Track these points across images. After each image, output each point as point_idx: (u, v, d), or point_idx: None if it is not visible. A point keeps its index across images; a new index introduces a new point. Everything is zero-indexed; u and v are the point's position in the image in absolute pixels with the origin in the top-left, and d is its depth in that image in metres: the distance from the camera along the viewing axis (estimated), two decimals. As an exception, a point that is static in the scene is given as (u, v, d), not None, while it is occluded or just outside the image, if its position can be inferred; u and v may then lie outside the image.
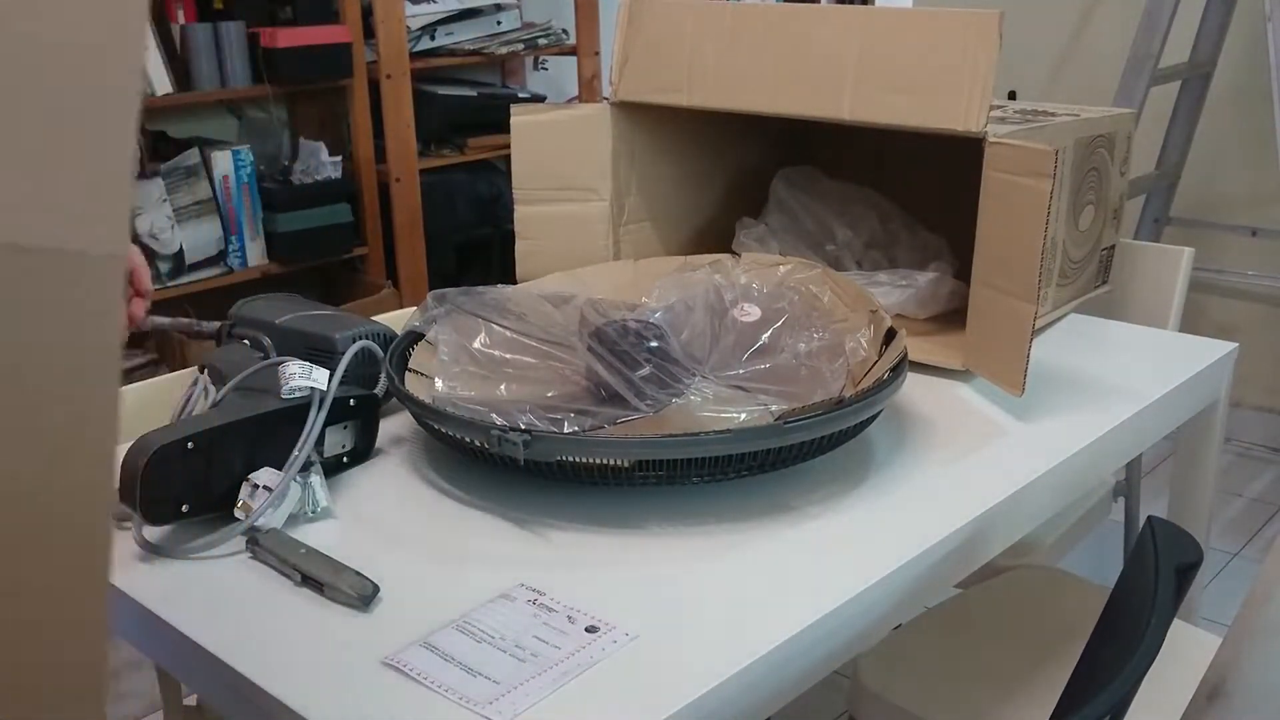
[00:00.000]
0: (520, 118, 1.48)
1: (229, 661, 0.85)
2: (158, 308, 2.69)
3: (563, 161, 1.50)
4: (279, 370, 1.06)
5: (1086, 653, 0.94)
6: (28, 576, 0.54)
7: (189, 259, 2.58)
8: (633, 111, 1.53)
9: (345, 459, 1.12)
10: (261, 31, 2.64)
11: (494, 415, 1.06)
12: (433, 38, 3.03)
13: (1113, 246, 1.59)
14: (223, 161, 2.63)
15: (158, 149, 2.62)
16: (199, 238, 2.60)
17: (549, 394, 1.15)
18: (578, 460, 1.00)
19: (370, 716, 0.78)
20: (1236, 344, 1.44)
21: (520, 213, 1.50)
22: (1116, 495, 1.99)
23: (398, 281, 2.96)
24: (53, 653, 0.55)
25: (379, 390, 1.18)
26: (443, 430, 1.07)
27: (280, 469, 1.02)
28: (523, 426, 1.01)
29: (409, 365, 1.20)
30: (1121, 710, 0.81)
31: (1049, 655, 1.32)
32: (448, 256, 3.12)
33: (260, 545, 0.97)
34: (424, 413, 1.07)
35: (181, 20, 2.59)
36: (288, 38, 2.63)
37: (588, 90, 3.36)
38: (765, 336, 1.22)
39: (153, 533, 1.02)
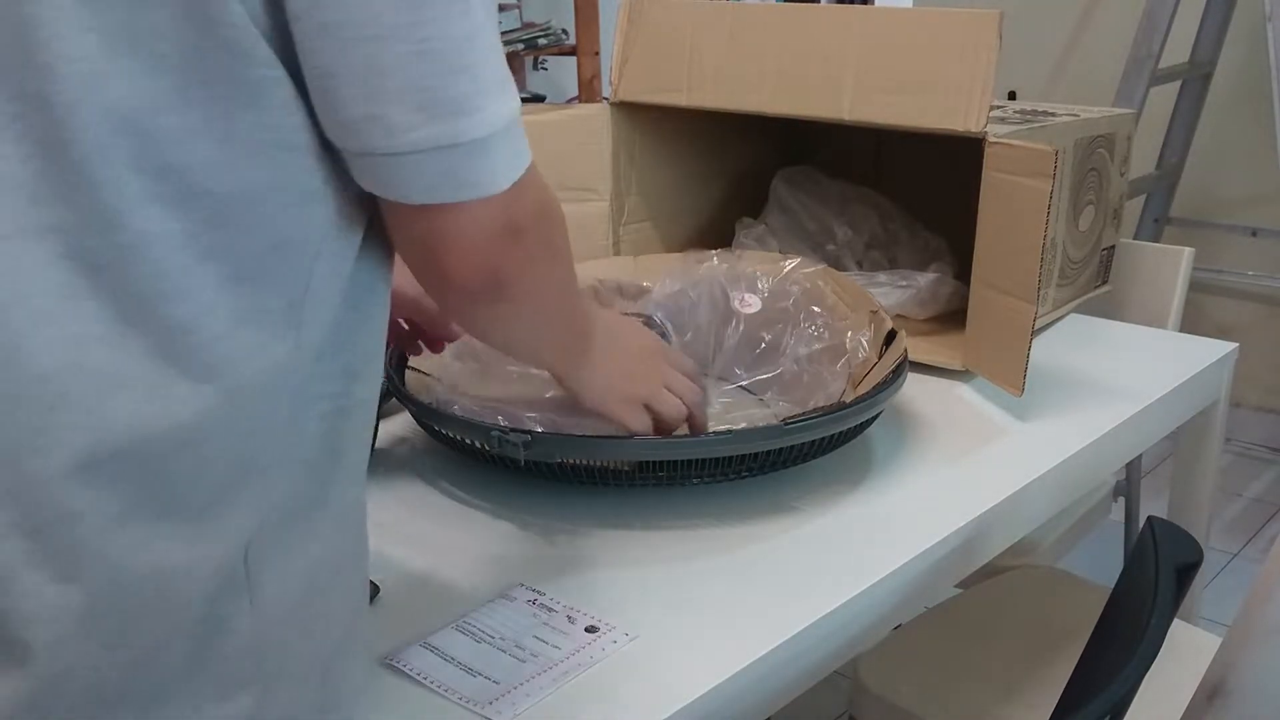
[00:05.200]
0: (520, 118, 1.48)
1: (229, 661, 0.85)
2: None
3: (563, 161, 1.50)
4: (279, 370, 1.06)
5: (1086, 653, 0.94)
6: None
7: (189, 259, 2.58)
8: (633, 111, 1.53)
9: (345, 459, 1.12)
10: (261, 31, 2.64)
11: (499, 416, 1.06)
12: (433, 38, 3.02)
13: (1113, 246, 1.59)
14: (223, 161, 2.63)
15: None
16: (199, 238, 2.59)
17: (548, 394, 1.15)
18: (578, 461, 1.00)
19: (370, 716, 0.78)
20: (1236, 344, 1.44)
21: (520, 213, 1.50)
22: (1116, 495, 1.99)
23: (398, 281, 2.95)
24: None
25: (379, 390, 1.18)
26: (443, 430, 1.07)
27: (280, 469, 1.02)
28: (523, 427, 1.01)
29: (409, 365, 1.20)
30: (1121, 710, 0.81)
31: (1049, 655, 1.32)
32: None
33: (260, 545, 0.97)
34: (424, 413, 1.07)
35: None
36: (288, 38, 2.63)
37: (588, 90, 3.36)
38: (767, 338, 1.22)
39: (153, 533, 1.02)
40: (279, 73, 0.58)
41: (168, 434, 0.57)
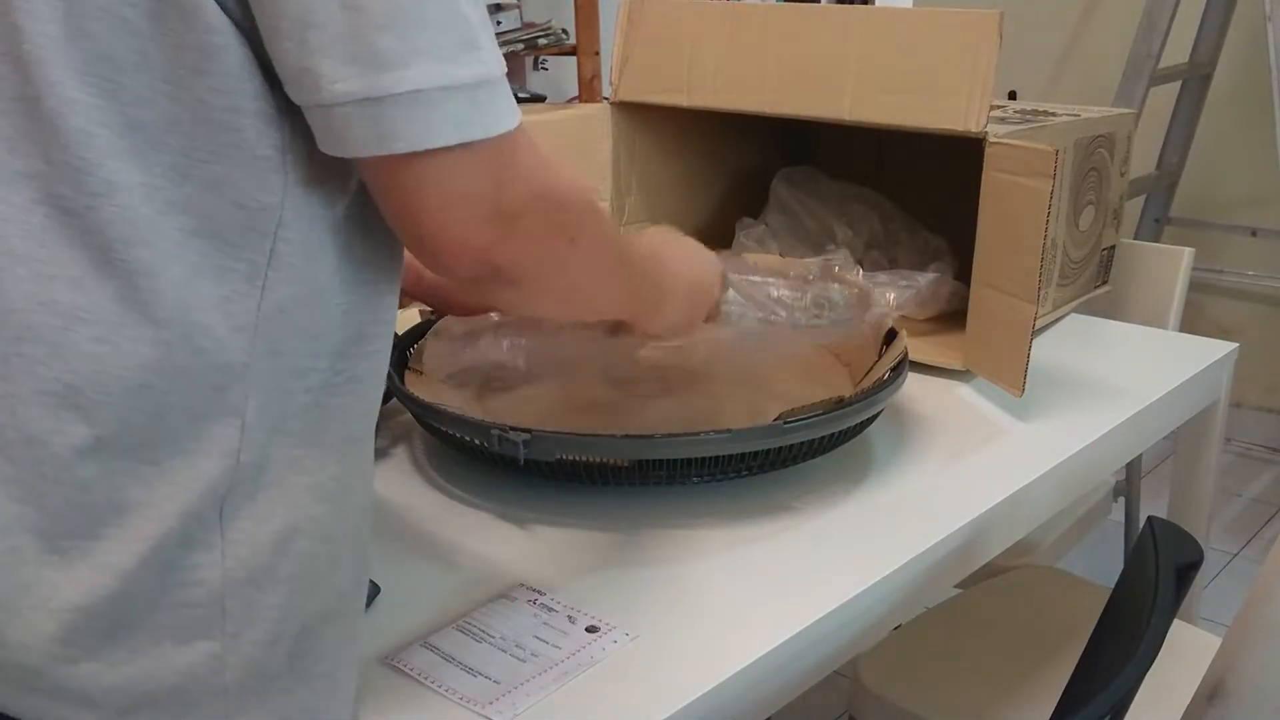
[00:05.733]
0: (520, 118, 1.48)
1: (229, 661, 0.85)
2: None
3: (563, 161, 1.50)
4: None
5: (1086, 653, 0.94)
6: None
7: (189, 259, 2.58)
8: (633, 111, 1.53)
9: (345, 459, 1.12)
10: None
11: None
12: (433, 38, 3.02)
13: (1113, 246, 1.59)
14: (223, 161, 2.63)
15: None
16: (199, 238, 2.59)
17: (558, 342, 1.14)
18: (578, 459, 1.00)
19: (370, 716, 0.78)
20: (1236, 344, 1.44)
21: (520, 213, 1.50)
22: (1116, 495, 1.99)
23: (398, 281, 2.95)
24: None
25: (379, 390, 1.18)
26: (443, 430, 1.07)
27: (280, 469, 1.02)
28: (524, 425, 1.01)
29: (409, 365, 1.20)
30: (1121, 710, 0.81)
31: (1049, 655, 1.32)
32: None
33: (260, 545, 0.97)
34: (424, 413, 1.07)
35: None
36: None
37: (588, 90, 3.36)
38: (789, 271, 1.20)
39: (153, 533, 1.02)
40: (229, 38, 0.60)
41: (128, 374, 0.60)
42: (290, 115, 0.63)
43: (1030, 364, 1.18)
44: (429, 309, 1.19)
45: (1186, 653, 1.13)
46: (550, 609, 0.89)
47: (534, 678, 0.81)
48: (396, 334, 1.24)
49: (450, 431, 1.06)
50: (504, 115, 0.65)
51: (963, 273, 1.35)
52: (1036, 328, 1.21)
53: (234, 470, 0.63)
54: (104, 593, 0.60)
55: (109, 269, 0.60)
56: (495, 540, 1.00)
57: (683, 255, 1.02)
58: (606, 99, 1.54)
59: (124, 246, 0.60)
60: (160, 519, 0.61)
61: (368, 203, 0.68)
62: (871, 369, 1.17)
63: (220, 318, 0.62)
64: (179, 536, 0.61)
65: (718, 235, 1.67)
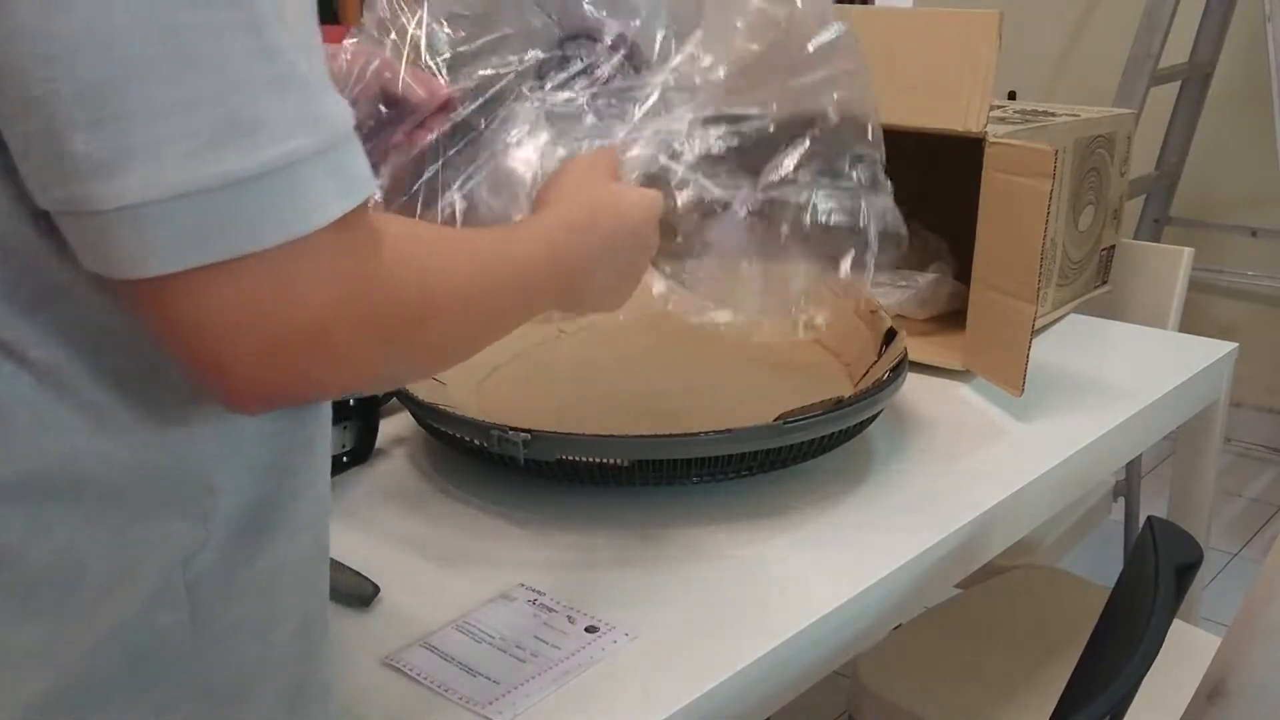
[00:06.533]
0: (520, 118, 1.48)
1: (229, 661, 0.85)
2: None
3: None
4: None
5: (1086, 653, 0.94)
6: None
7: (189, 259, 2.58)
8: (633, 111, 1.52)
9: (345, 459, 1.12)
10: (261, 31, 2.63)
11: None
12: (433, 38, 3.02)
13: (1113, 246, 1.59)
14: (223, 161, 2.63)
15: (158, 149, 2.61)
16: (199, 238, 2.59)
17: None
18: (577, 459, 1.00)
19: (370, 716, 0.78)
20: (1236, 344, 1.44)
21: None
22: (1116, 495, 1.99)
23: (398, 281, 2.95)
24: None
25: (379, 390, 1.18)
26: (443, 430, 1.07)
27: (280, 469, 1.02)
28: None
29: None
30: (1121, 710, 0.81)
31: (1049, 655, 1.32)
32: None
33: (260, 545, 0.97)
34: (424, 413, 1.07)
35: (181, 20, 2.58)
36: (288, 38, 2.63)
37: (588, 90, 3.36)
38: None
39: (153, 533, 1.02)
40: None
41: (99, 464, 0.55)
42: None
43: (1030, 364, 1.18)
44: None
45: (1186, 653, 1.13)
46: (550, 609, 0.89)
47: (534, 678, 0.81)
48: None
49: (450, 431, 1.06)
50: (300, 214, 0.49)
51: (963, 273, 1.35)
52: (1036, 328, 1.21)
53: (214, 529, 0.58)
54: (76, 671, 0.55)
55: (88, 372, 0.54)
56: (495, 540, 1.00)
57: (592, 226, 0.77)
58: (606, 99, 1.53)
59: (72, 394, 0.53)
60: (128, 588, 0.56)
61: None
62: (871, 369, 1.17)
63: (191, 411, 0.57)
64: (148, 601, 0.57)
65: (718, 235, 1.67)
